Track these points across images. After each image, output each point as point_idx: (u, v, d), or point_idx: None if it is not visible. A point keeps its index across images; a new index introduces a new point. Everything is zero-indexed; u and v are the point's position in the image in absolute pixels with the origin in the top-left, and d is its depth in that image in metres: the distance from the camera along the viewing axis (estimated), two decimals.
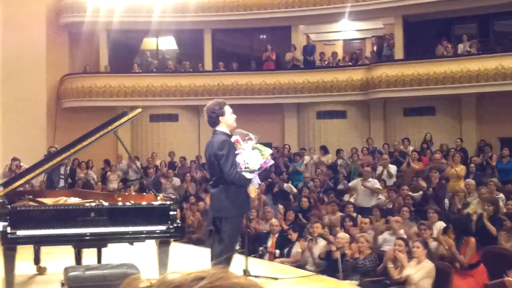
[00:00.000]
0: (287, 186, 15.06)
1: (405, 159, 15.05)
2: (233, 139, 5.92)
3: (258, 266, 8.23)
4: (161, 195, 6.27)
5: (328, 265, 8.90)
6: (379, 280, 8.00)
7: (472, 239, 7.95)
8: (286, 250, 10.11)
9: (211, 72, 20.77)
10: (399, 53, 19.38)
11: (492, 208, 9.79)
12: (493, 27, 19.45)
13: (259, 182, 6.18)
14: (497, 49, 17.91)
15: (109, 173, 17.45)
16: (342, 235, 9.30)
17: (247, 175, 5.71)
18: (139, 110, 6.68)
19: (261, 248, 10.44)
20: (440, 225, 9.70)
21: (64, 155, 6.45)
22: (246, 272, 7.50)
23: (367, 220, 10.27)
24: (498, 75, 16.90)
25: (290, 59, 20.31)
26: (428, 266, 7.49)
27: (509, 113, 17.31)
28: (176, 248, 6.17)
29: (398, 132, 18.41)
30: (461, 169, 12.79)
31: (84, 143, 6.40)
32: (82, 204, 6.08)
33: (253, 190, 5.83)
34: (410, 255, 7.76)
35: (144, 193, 7.42)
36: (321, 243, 9.46)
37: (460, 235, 8.01)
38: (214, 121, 5.86)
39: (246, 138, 5.97)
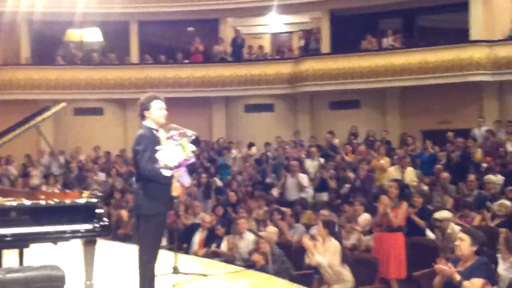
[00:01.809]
0: (213, 180, 14.95)
1: (334, 152, 15.25)
2: (169, 134, 5.77)
3: (187, 262, 8.13)
4: (87, 192, 6.05)
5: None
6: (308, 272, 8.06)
7: (405, 203, 8.24)
8: (214, 246, 10.02)
9: (137, 64, 20.42)
10: (325, 47, 19.63)
11: (421, 200, 10.06)
12: (417, 22, 19.97)
13: (189, 180, 6.05)
14: (420, 44, 18.40)
15: (30, 168, 16.86)
16: (271, 229, 9.31)
17: (166, 172, 5.54)
18: (63, 104, 6.45)
19: (184, 244, 10.30)
20: (365, 217, 9.89)
21: None
22: (175, 270, 7.39)
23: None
24: (421, 69, 17.38)
25: (218, 52, 20.21)
26: (332, 244, 7.58)
27: (432, 106, 17.84)
28: (102, 246, 5.98)
29: (324, 125, 18.66)
30: (385, 161, 13.05)
31: (4, 139, 6.12)
32: (1, 203, 5.80)
33: (175, 189, 5.68)
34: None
35: (68, 190, 7.18)
36: (249, 237, 9.44)
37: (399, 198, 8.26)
38: (141, 114, 5.71)
39: (181, 134, 5.83)
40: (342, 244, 7.96)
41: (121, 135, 19.52)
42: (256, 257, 8.54)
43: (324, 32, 19.77)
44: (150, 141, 5.51)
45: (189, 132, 5.65)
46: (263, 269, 8.17)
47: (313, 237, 7.89)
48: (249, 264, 8.62)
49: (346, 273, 7.47)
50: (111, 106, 20.22)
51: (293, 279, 7.68)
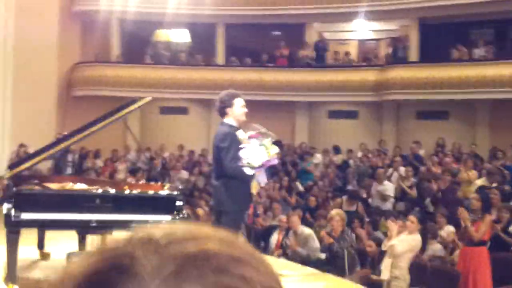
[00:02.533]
0: (295, 184, 14.91)
1: (419, 163, 14.88)
2: (248, 133, 5.79)
3: None
4: (168, 185, 6.15)
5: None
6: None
7: (489, 216, 7.88)
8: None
9: (223, 66, 20.64)
10: (413, 55, 19.20)
11: (509, 215, 9.62)
12: (510, 33, 19.25)
13: (265, 180, 6.04)
14: None
15: (117, 163, 17.33)
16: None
17: (248, 171, 5.55)
18: (149, 98, 6.55)
19: (261, 243, 10.34)
20: (448, 229, 9.55)
21: (71, 141, 6.34)
22: None
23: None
24: None
25: (303, 56, 20.15)
26: (415, 239, 7.40)
27: None
28: None
29: (410, 135, 18.20)
30: (472, 173, 12.60)
31: (92, 129, 6.28)
32: (88, 190, 5.95)
33: (254, 187, 5.70)
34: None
35: (151, 183, 7.31)
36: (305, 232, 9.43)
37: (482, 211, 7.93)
38: (222, 111, 5.75)
39: (262, 134, 5.82)
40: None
41: (205, 135, 19.75)
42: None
43: (412, 40, 19.35)
44: (234, 139, 5.54)
45: (269, 133, 5.64)
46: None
47: (401, 226, 7.78)
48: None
49: (405, 273, 7.31)
50: (196, 106, 20.52)
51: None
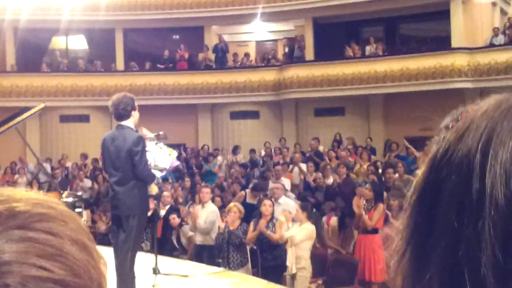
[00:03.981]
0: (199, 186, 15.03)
1: (319, 158, 15.40)
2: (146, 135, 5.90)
3: (168, 264, 8.22)
4: (66, 192, 6.16)
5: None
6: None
7: (381, 205, 8.32)
8: None
9: (123, 72, 20.50)
10: (309, 54, 19.81)
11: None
12: (399, 30, 20.23)
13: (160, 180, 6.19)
14: (402, 51, 18.64)
15: (17, 176, 16.87)
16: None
17: (156, 173, 5.70)
18: (42, 105, 6.53)
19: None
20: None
21: None
22: (155, 270, 7.49)
23: None
24: (403, 76, 17.59)
25: (203, 59, 20.34)
26: (309, 227, 7.73)
27: (414, 113, 18.00)
28: None
29: (309, 132, 18.79)
30: (367, 166, 13.20)
31: None
32: None
33: (153, 189, 5.82)
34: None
35: (48, 192, 7.27)
36: (212, 208, 9.60)
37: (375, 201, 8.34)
38: (126, 114, 5.74)
39: (150, 139, 5.96)
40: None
41: None
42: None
43: (308, 39, 19.97)
44: (144, 143, 5.62)
45: (161, 133, 5.79)
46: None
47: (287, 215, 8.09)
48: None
49: (308, 263, 7.63)
50: (97, 113, 20.25)
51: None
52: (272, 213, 8.37)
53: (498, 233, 0.56)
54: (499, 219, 0.56)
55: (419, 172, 0.66)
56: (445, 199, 0.60)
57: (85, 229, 0.65)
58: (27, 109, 6.37)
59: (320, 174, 13.14)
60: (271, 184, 12.13)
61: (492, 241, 0.55)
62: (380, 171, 12.84)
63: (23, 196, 0.62)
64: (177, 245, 10.54)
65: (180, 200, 13.30)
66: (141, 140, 5.59)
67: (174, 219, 10.38)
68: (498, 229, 0.56)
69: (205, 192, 9.80)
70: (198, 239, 9.46)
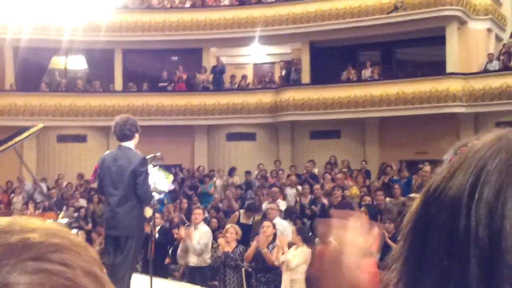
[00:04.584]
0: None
1: (314, 181, 15.47)
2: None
3: (163, 286, 8.27)
4: (62, 213, 6.23)
5: None
6: None
7: (376, 228, 8.31)
8: None
9: (121, 92, 20.64)
10: (306, 77, 19.99)
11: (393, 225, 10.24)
12: (395, 54, 20.45)
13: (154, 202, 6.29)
14: (398, 76, 18.84)
15: (13, 195, 16.91)
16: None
17: (155, 195, 5.80)
18: (41, 125, 6.59)
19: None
20: None
21: None
22: None
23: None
24: (399, 100, 17.75)
25: (201, 80, 20.50)
26: (305, 251, 7.77)
27: (409, 137, 18.16)
28: None
29: (305, 155, 18.88)
30: (361, 189, 13.28)
31: None
32: None
33: (147, 211, 5.88)
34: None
35: (45, 212, 7.34)
36: (204, 229, 9.60)
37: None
38: (130, 135, 5.76)
39: (151, 157, 6.06)
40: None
41: None
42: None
43: (304, 63, 20.17)
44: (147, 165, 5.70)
45: (158, 154, 5.89)
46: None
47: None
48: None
49: (302, 286, 7.68)
50: (95, 133, 20.35)
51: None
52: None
53: (483, 273, 0.57)
54: (483, 259, 0.57)
55: (413, 204, 0.68)
56: (434, 235, 0.62)
57: (97, 260, 0.65)
58: (26, 128, 6.44)
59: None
60: (265, 205, 12.19)
61: (477, 282, 0.57)
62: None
63: (37, 225, 0.63)
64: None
65: (176, 220, 13.36)
66: (146, 162, 5.67)
67: (177, 234, 10.32)
68: (483, 269, 0.57)
69: (197, 213, 9.80)
70: (192, 261, 9.47)
